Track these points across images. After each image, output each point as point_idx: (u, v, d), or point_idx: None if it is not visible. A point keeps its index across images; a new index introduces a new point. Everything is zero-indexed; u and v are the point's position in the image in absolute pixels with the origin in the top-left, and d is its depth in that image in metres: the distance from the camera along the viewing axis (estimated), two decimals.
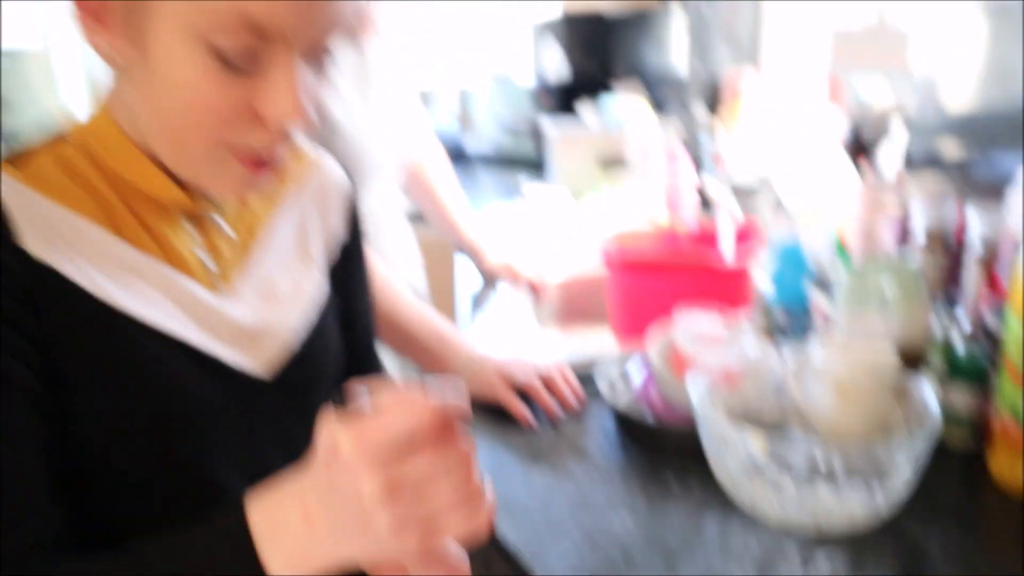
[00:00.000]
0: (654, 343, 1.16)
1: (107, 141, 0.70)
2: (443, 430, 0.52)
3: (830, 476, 0.84)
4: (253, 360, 0.77)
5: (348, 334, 0.93)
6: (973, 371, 1.05)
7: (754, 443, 0.84)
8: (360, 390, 0.54)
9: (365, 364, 0.98)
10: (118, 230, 0.70)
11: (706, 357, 1.08)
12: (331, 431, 0.53)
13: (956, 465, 1.03)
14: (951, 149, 1.59)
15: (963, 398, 1.05)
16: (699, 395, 0.94)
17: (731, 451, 0.88)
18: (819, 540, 0.89)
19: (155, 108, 0.66)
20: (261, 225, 0.82)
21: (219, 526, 0.57)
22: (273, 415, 0.79)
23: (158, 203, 0.72)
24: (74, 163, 0.70)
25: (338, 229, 0.91)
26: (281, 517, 0.56)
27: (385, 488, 0.50)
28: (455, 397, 0.53)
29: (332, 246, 0.91)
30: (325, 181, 0.91)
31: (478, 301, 1.67)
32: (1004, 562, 0.87)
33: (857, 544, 0.89)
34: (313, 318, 0.84)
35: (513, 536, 0.92)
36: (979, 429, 1.05)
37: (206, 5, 0.60)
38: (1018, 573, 0.85)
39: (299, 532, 0.55)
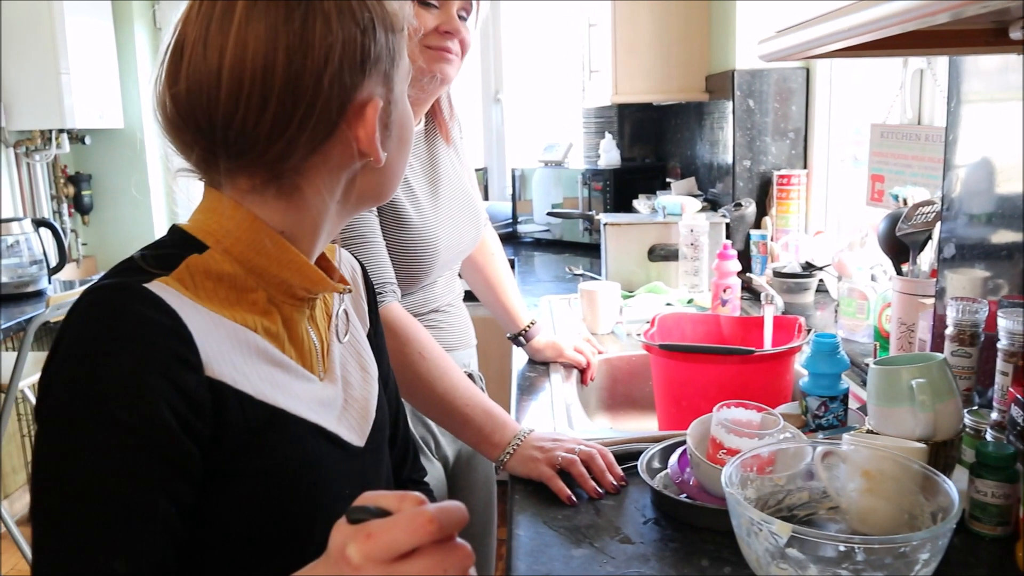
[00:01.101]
0: (693, 429, 1.22)
1: (256, 240, 0.79)
2: (442, 537, 0.58)
3: (854, 565, 0.88)
4: (353, 434, 0.90)
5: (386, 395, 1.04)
6: (1003, 463, 1.08)
7: (779, 528, 0.89)
8: (369, 499, 0.60)
9: (397, 419, 1.09)
10: (264, 328, 0.81)
11: (740, 445, 1.14)
12: (343, 536, 0.59)
13: (984, 555, 1.06)
14: (1001, 236, 1.63)
15: (992, 489, 1.08)
16: (729, 480, 0.99)
17: (758, 535, 0.92)
18: None
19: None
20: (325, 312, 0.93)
21: None
22: (365, 477, 0.91)
23: (295, 295, 0.83)
24: (222, 267, 0.79)
25: (365, 314, 1.04)
26: None
27: None
28: (456, 509, 0.60)
29: (366, 325, 1.02)
30: (353, 274, 1.04)
31: (525, 383, 1.75)
32: None
33: None
34: (378, 389, 0.95)
35: None
36: (1007, 520, 1.08)
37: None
38: None
39: None
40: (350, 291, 0.90)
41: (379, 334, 1.08)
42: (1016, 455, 1.08)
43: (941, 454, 1.14)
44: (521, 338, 1.85)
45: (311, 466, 0.82)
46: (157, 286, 0.73)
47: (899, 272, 1.63)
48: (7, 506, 3.37)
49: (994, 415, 1.17)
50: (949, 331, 1.31)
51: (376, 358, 1.02)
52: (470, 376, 1.56)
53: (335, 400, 0.89)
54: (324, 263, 0.90)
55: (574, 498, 1.22)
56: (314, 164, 0.79)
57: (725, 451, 1.15)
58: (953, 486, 0.96)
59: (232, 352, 0.76)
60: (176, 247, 0.79)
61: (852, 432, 1.15)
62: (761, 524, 0.91)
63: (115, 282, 0.73)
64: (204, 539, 0.75)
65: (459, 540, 0.60)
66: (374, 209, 1.39)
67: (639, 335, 1.59)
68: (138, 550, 0.67)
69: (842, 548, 0.87)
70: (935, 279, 1.47)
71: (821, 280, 2.27)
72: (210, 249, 0.79)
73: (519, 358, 1.90)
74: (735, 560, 1.06)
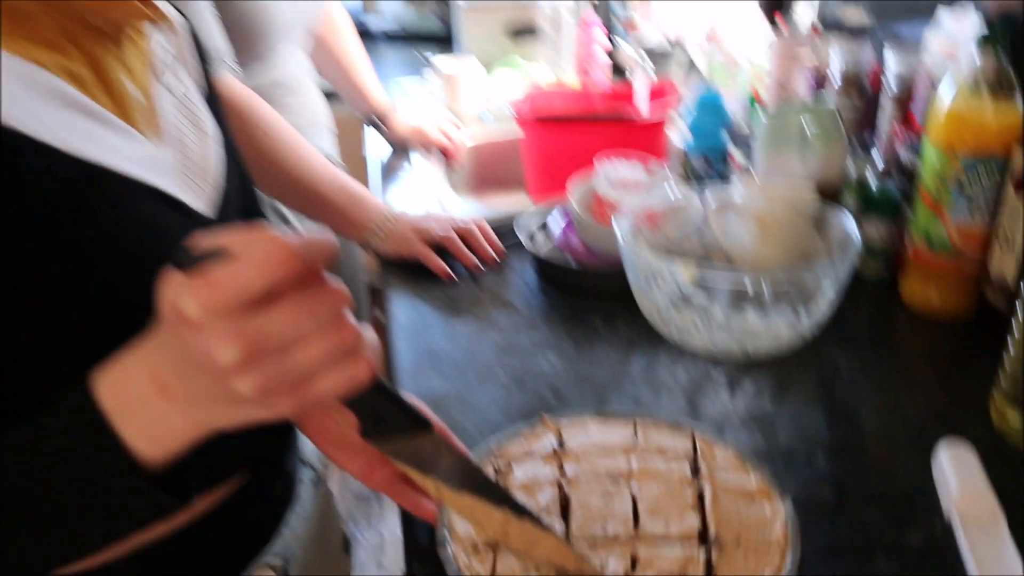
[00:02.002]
0: (575, 190, 1.13)
1: None
2: (306, 275, 0.44)
3: (758, 302, 0.84)
4: (200, 201, 0.70)
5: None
6: (887, 205, 1.06)
7: (683, 272, 0.83)
8: (203, 238, 0.44)
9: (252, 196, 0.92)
10: (63, 68, 0.61)
11: (628, 201, 1.06)
12: (173, 291, 0.43)
13: (870, 293, 1.05)
14: (855, 16, 1.59)
15: (877, 230, 1.06)
16: (624, 234, 0.92)
17: (659, 284, 0.86)
18: (745, 365, 0.90)
19: None
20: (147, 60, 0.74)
21: (65, 407, 0.50)
22: None
23: (97, 28, 0.64)
24: None
25: (198, 73, 0.83)
26: (133, 390, 0.49)
27: (243, 351, 0.42)
28: (318, 237, 0.44)
29: (202, 88, 0.83)
30: (177, 24, 0.82)
31: (388, 170, 1.60)
32: (914, 377, 0.90)
33: (780, 368, 0.91)
34: (223, 155, 0.78)
35: (439, 386, 0.90)
36: (892, 259, 1.07)
37: None
38: (928, 385, 0.88)
39: (156, 405, 0.48)
40: (164, 20, 0.71)
41: (218, 104, 0.89)
42: (901, 194, 1.06)
43: (828, 199, 1.11)
44: (380, 121, 1.69)
45: (151, 237, 0.63)
46: None
47: (775, 32, 1.56)
48: None
49: (879, 164, 1.15)
50: (832, 80, 1.26)
51: (220, 121, 0.84)
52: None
53: (169, 161, 0.71)
54: None
55: (453, 275, 1.13)
56: None
57: (612, 208, 1.07)
58: (851, 218, 0.92)
59: (21, 94, 0.58)
60: None
61: (741, 181, 1.09)
62: (663, 271, 0.84)
63: None
64: (24, 341, 0.59)
65: (329, 277, 0.46)
66: None
67: (510, 111, 1.47)
68: None
69: (748, 286, 0.82)
70: (813, 36, 1.41)
71: (687, 52, 2.19)
72: None
73: (378, 147, 1.75)
74: (630, 318, 1.01)
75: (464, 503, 0.57)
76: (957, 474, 0.71)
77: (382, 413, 0.53)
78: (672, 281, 0.84)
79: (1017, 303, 0.76)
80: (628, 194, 1.07)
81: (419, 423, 0.55)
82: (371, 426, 0.53)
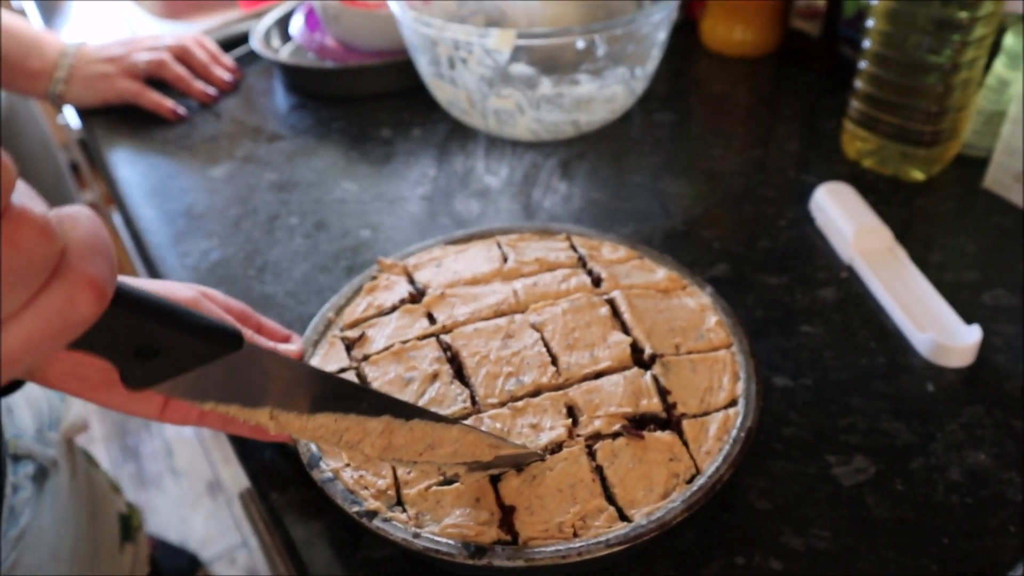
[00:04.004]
0: None
1: None
2: None
3: (593, 64, 0.69)
4: None
5: None
6: None
7: (500, 41, 0.65)
8: None
9: None
10: None
11: None
12: None
13: (679, 46, 0.94)
14: None
15: None
16: (404, 13, 0.72)
17: (468, 64, 0.69)
18: (574, 143, 0.77)
19: None
20: None
21: None
22: None
23: None
24: None
25: None
26: None
27: None
28: None
29: None
30: None
31: (47, 8, 1.22)
32: (752, 123, 0.83)
33: (611, 140, 0.78)
34: None
35: (216, 252, 0.68)
36: (684, 2, 0.97)
37: None
38: (767, 127, 0.81)
39: None
40: None
41: None
42: None
43: None
44: None
45: None
46: None
47: None
48: None
49: None
50: None
51: None
52: None
53: None
54: None
55: (181, 109, 0.87)
56: None
57: None
58: None
59: None
60: None
61: None
62: (472, 43, 0.67)
63: None
64: None
65: None
66: None
67: None
68: None
69: (580, 45, 0.67)
70: None
71: None
72: None
73: None
74: (423, 117, 0.83)
75: (322, 426, 0.38)
76: (844, 215, 0.63)
77: (148, 343, 0.30)
78: (484, 54, 0.67)
79: (867, 20, 0.68)
80: None
81: (216, 338, 0.32)
82: (135, 369, 0.30)
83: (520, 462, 0.42)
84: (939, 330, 0.55)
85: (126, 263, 1.37)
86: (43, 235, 0.23)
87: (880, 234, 0.63)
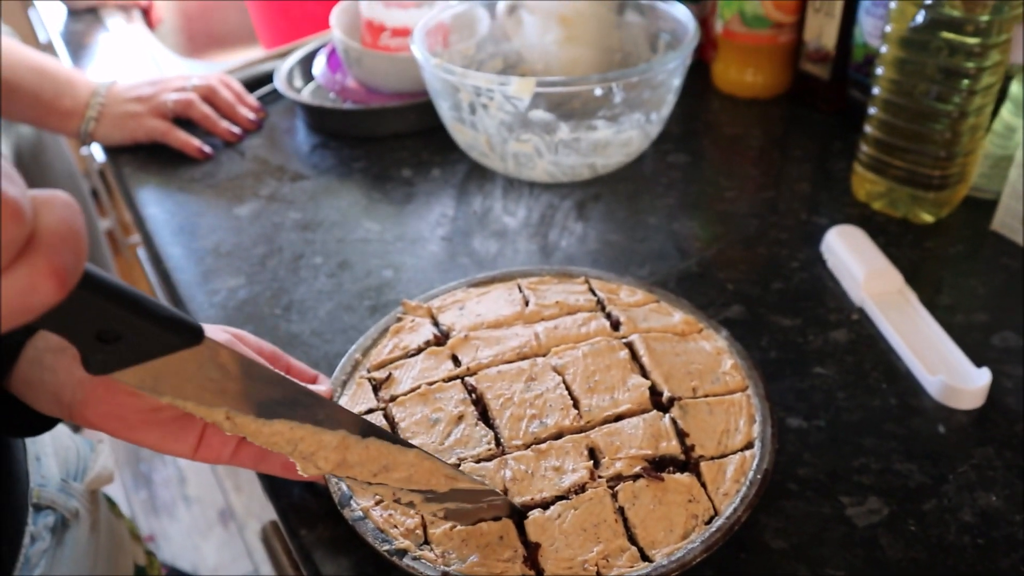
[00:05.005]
0: (337, 20, 0.92)
1: None
2: None
3: (611, 110, 0.71)
4: None
5: None
6: None
7: (520, 88, 0.68)
8: None
9: None
10: None
11: (407, 19, 0.88)
12: None
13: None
14: None
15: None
16: (424, 57, 0.74)
17: (487, 109, 0.71)
18: (591, 185, 0.79)
19: None
20: None
21: None
22: None
23: None
24: None
25: None
26: None
27: None
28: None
29: None
30: None
31: (76, 41, 1.26)
32: (763, 164, 0.84)
33: (625, 182, 0.80)
34: None
35: (243, 290, 0.70)
36: (700, 45, 0.99)
37: None
38: (778, 167, 0.83)
39: None
40: None
41: None
42: None
43: None
44: None
45: None
46: None
47: None
48: None
49: None
50: None
51: None
52: None
53: None
54: None
55: (207, 148, 0.90)
56: None
57: (389, 32, 0.88)
58: (679, 3, 0.81)
59: None
60: None
61: None
62: (493, 90, 0.69)
63: None
64: None
65: None
66: None
67: None
68: None
69: (598, 92, 0.69)
70: None
71: None
72: None
73: (53, 14, 1.37)
74: (442, 158, 0.85)
75: (277, 433, 0.38)
76: (855, 258, 0.65)
77: (110, 328, 0.31)
78: (504, 100, 0.69)
79: (876, 68, 0.70)
80: (404, 12, 0.88)
81: (176, 329, 0.33)
82: (96, 352, 0.32)
83: (478, 499, 0.43)
84: (949, 373, 0.56)
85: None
86: (13, 217, 0.24)
87: (890, 276, 0.64)
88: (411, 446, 0.40)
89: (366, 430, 0.39)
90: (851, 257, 0.65)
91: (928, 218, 0.73)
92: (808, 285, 0.67)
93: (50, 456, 0.66)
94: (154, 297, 0.33)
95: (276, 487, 0.53)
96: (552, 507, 0.43)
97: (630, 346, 0.52)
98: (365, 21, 0.90)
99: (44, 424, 0.52)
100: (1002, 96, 0.70)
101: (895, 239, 0.71)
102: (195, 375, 0.35)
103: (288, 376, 0.40)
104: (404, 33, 0.88)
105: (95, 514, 0.69)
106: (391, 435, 0.40)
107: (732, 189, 0.79)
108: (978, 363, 0.57)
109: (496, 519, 0.43)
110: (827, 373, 0.58)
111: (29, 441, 0.63)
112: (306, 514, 0.50)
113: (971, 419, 0.55)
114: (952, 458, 0.52)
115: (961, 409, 0.55)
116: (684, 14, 0.78)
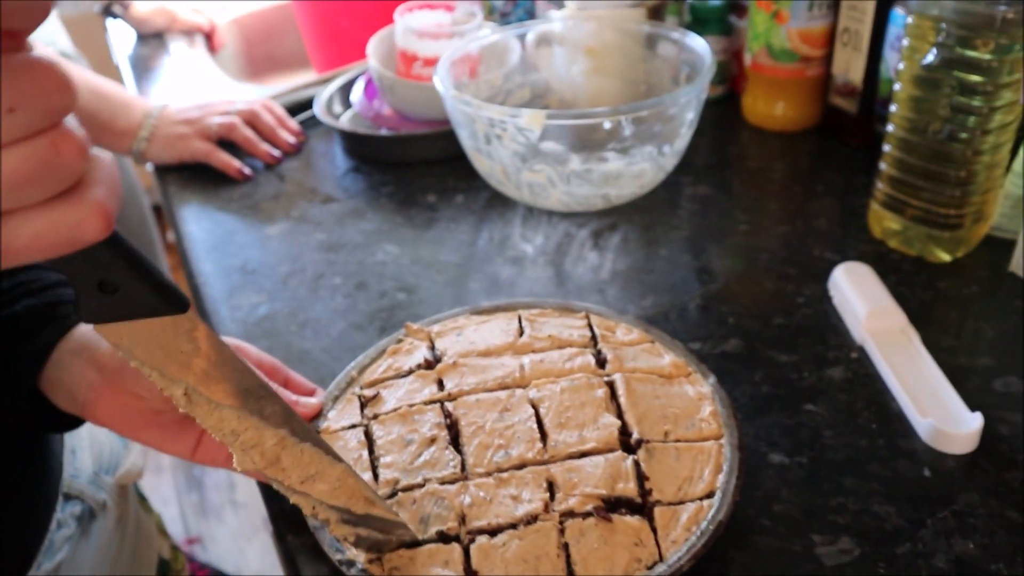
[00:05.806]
0: (374, 49, 0.96)
1: None
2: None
3: (620, 143, 0.73)
4: None
5: None
6: (716, 20, 0.97)
7: (531, 121, 0.70)
8: None
9: None
10: None
11: (438, 49, 0.91)
12: None
13: (709, 114, 0.97)
14: None
15: (711, 44, 0.98)
16: (447, 89, 0.77)
17: (501, 139, 0.73)
18: (606, 215, 0.80)
19: None
20: None
21: None
22: None
23: None
24: None
25: None
26: None
27: None
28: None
29: None
30: None
31: (142, 65, 1.33)
32: (780, 197, 0.84)
33: (642, 212, 0.82)
34: None
35: (264, 305, 0.73)
36: (726, 77, 1.00)
37: None
38: (796, 201, 0.83)
39: None
40: None
41: None
42: (728, 6, 0.98)
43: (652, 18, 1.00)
44: (114, 5, 1.40)
45: None
46: None
47: None
48: None
49: None
50: None
51: None
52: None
53: None
54: None
55: (247, 170, 0.94)
56: None
57: (421, 62, 0.92)
58: (698, 37, 0.82)
59: None
60: None
61: (559, 12, 0.96)
62: (506, 121, 0.71)
63: None
64: None
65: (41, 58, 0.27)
66: None
67: None
68: None
69: (607, 125, 0.71)
70: None
71: None
72: None
73: (123, 39, 1.45)
74: (466, 185, 0.88)
75: (224, 420, 0.40)
76: (859, 295, 0.65)
77: (112, 279, 0.34)
78: (516, 132, 0.71)
79: (891, 105, 0.70)
80: (436, 43, 0.92)
81: (166, 295, 0.36)
82: (93, 300, 0.35)
83: (389, 531, 0.44)
84: (941, 416, 0.56)
85: None
86: (80, 153, 0.28)
87: (893, 316, 0.64)
88: (342, 461, 0.43)
89: (304, 435, 0.42)
90: (855, 294, 0.65)
91: (944, 256, 0.72)
92: (811, 321, 0.67)
93: (85, 450, 0.70)
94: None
95: (270, 494, 0.55)
96: (499, 535, 0.45)
97: (611, 384, 0.53)
98: (399, 51, 0.94)
99: (71, 422, 0.56)
100: (1022, 134, 0.69)
101: (907, 278, 0.70)
102: (168, 344, 0.37)
103: (256, 369, 0.43)
104: (435, 63, 0.91)
105: (123, 507, 0.73)
106: (326, 445, 0.43)
107: (747, 223, 0.80)
108: (976, 408, 0.56)
109: (432, 543, 0.45)
110: (817, 410, 0.58)
111: (68, 435, 0.68)
112: (294, 521, 0.53)
113: (960, 464, 0.54)
114: (933, 502, 0.52)
115: (951, 453, 0.55)
116: (703, 47, 0.79)
